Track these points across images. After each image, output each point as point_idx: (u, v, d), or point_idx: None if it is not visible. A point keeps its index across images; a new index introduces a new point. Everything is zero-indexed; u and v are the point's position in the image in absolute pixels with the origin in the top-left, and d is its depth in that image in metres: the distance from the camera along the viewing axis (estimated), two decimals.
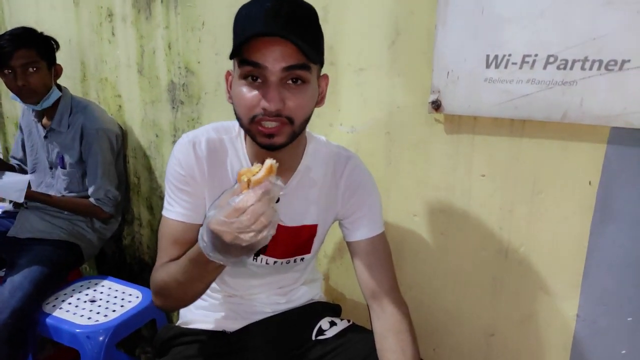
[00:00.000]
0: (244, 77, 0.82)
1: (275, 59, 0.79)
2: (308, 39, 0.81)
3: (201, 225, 0.94)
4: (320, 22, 0.85)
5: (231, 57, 0.83)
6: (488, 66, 1.01)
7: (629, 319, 0.96)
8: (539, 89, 0.96)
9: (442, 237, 1.18)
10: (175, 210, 0.96)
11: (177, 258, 0.91)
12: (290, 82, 0.82)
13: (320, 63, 0.89)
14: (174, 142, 1.76)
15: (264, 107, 0.81)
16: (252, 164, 0.97)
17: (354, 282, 1.36)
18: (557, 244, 1.02)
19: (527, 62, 0.96)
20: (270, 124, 0.83)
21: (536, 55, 0.95)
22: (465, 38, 1.03)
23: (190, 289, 0.88)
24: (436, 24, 1.05)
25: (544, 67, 0.95)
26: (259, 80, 0.82)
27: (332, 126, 1.30)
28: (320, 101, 0.92)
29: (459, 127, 1.10)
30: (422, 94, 1.12)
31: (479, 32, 1.01)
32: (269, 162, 0.69)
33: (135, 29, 1.75)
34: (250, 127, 0.85)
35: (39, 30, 1.69)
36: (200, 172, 0.96)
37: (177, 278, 0.86)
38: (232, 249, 0.70)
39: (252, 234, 0.67)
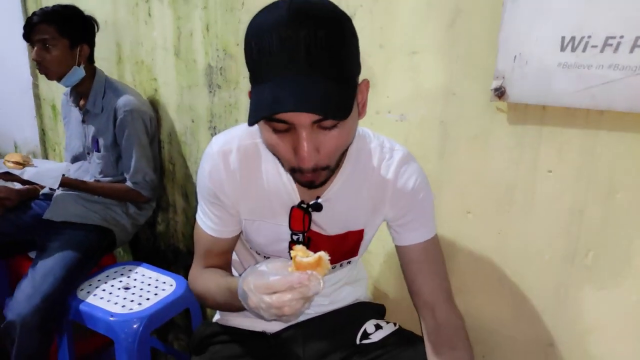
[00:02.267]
0: (270, 127, 0.72)
1: (302, 117, 0.68)
2: (339, 91, 0.67)
3: (232, 237, 0.97)
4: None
5: (250, 124, 0.69)
6: (563, 49, 0.90)
7: None
8: (623, 76, 0.85)
9: (499, 237, 1.08)
10: (205, 223, 0.95)
11: (211, 266, 0.96)
12: (323, 126, 0.71)
13: (358, 75, 0.76)
14: (210, 127, 1.70)
15: (299, 167, 0.73)
16: (295, 187, 0.90)
17: (398, 281, 1.29)
18: (634, 251, 0.91)
19: (610, 45, 0.85)
20: (308, 174, 0.75)
21: (622, 37, 0.84)
22: (537, 17, 0.92)
23: (226, 308, 0.95)
24: (504, 0, 0.94)
25: (631, 51, 0.83)
26: (289, 131, 0.71)
27: (379, 114, 1.21)
28: (361, 112, 0.79)
29: (525, 118, 1.00)
30: (483, 79, 1.02)
31: (554, 9, 0.89)
32: (322, 254, 0.70)
33: (173, 10, 1.69)
34: (292, 174, 0.78)
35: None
36: (232, 186, 0.89)
37: (215, 297, 0.90)
38: (254, 311, 0.74)
39: (270, 314, 0.70)
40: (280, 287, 0.68)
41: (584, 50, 0.88)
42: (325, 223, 0.92)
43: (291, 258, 0.71)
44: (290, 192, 0.90)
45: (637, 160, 0.88)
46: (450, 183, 1.13)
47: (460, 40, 1.05)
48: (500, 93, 0.99)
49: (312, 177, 0.75)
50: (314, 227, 0.92)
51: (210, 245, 0.96)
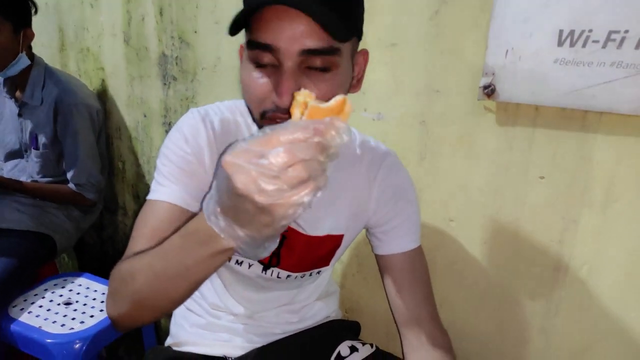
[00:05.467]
0: (253, 61, 0.62)
1: (291, 37, 0.58)
2: (339, 6, 0.59)
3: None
4: None
5: (231, 32, 0.62)
6: (560, 44, 0.82)
7: None
8: (627, 74, 0.77)
9: (484, 247, 1.00)
10: (170, 190, 0.72)
11: None
12: (313, 67, 0.61)
13: (358, 36, 0.67)
14: (165, 123, 1.55)
15: (275, 103, 0.61)
16: None
17: (373, 292, 1.19)
18: (632, 263, 0.85)
19: (614, 40, 0.77)
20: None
21: (626, 31, 0.76)
22: (532, 8, 0.83)
23: (168, 287, 0.59)
24: None
25: (637, 47, 0.76)
26: (272, 65, 0.61)
27: (354, 111, 1.11)
28: (355, 85, 0.71)
29: (516, 119, 0.91)
30: (470, 76, 0.93)
31: (552, 1, 0.81)
32: (342, 97, 0.49)
33: None
34: (262, 124, 0.64)
35: None
36: (210, 157, 0.74)
37: (154, 267, 0.60)
38: (242, 207, 0.45)
39: (276, 185, 0.43)
40: (290, 133, 0.44)
41: (583, 45, 0.80)
42: (305, 221, 0.82)
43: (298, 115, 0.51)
44: None
45: (638, 168, 0.81)
46: (432, 188, 1.04)
47: (445, 31, 0.95)
48: (489, 91, 0.90)
49: None
50: (291, 224, 0.80)
51: (169, 220, 0.70)
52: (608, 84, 0.79)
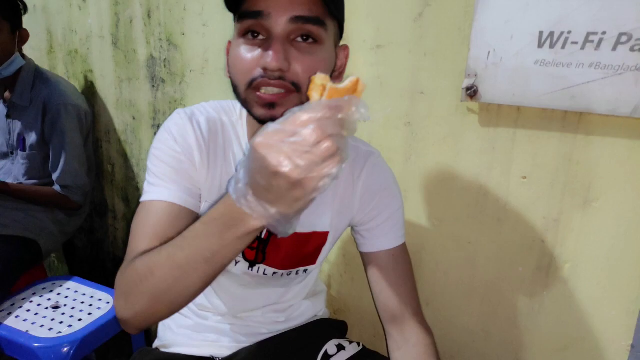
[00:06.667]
0: (243, 34, 0.66)
1: (281, 5, 0.63)
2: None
3: (194, 214, 0.73)
4: None
5: (229, 8, 0.66)
6: (541, 45, 0.83)
7: None
8: (605, 75, 0.79)
9: (469, 246, 1.01)
10: (165, 190, 0.72)
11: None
12: (299, 39, 0.65)
13: (340, 23, 0.71)
14: (154, 125, 1.55)
15: (264, 66, 0.63)
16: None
17: (360, 292, 1.19)
18: (612, 262, 0.86)
19: (592, 42, 0.79)
20: (271, 90, 0.64)
21: (604, 33, 0.77)
22: (513, 10, 0.84)
23: (191, 275, 0.59)
24: None
25: (614, 49, 0.77)
26: (261, 37, 0.65)
27: None
28: (337, 77, 0.74)
29: (498, 119, 0.92)
30: (453, 77, 0.94)
31: (532, 3, 0.83)
32: (355, 77, 0.52)
33: None
34: (247, 95, 0.66)
35: None
36: (200, 155, 0.75)
37: (175, 257, 0.59)
38: (276, 184, 0.47)
39: (309, 160, 0.45)
40: (318, 112, 0.47)
41: (563, 47, 0.82)
42: None
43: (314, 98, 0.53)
44: None
45: (617, 167, 0.83)
46: (417, 188, 1.05)
47: (429, 34, 0.96)
48: (472, 92, 0.91)
49: (275, 98, 0.65)
50: None
51: (167, 217, 0.70)
52: (586, 85, 0.81)
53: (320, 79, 0.52)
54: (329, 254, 1.21)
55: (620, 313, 0.87)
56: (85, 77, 1.70)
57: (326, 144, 0.46)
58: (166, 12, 1.38)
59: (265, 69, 0.63)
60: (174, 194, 0.72)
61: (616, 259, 0.85)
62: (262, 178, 0.48)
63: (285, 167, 0.46)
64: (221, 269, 0.60)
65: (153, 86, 1.50)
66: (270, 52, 0.63)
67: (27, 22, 1.54)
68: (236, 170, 0.52)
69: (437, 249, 1.06)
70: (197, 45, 1.35)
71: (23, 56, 1.52)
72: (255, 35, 0.65)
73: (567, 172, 0.87)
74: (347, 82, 0.51)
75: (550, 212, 0.90)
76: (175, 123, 0.76)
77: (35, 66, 1.55)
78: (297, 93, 0.65)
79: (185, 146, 0.74)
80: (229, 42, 0.72)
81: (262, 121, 0.66)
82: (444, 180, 1.01)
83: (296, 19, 0.63)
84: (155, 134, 1.54)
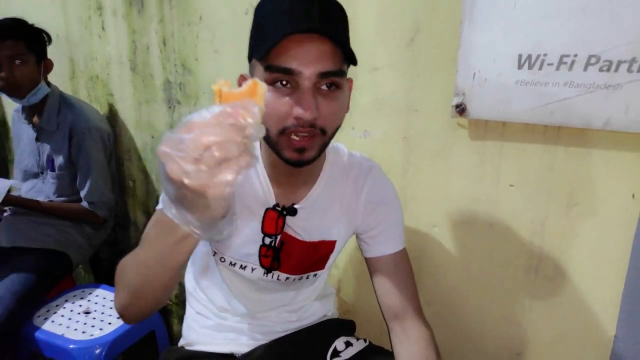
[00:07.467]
0: (272, 82, 0.72)
1: (310, 62, 0.69)
2: (344, 37, 0.73)
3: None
4: None
5: (257, 58, 0.72)
6: (520, 67, 0.92)
7: None
8: (578, 93, 0.87)
9: (464, 249, 1.10)
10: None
11: None
12: (324, 87, 0.72)
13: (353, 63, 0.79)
14: None
15: (298, 116, 0.70)
16: (271, 189, 0.87)
17: (367, 295, 1.28)
18: (595, 261, 0.94)
19: (565, 63, 0.87)
20: (302, 135, 0.72)
21: (575, 55, 0.86)
22: (494, 36, 0.93)
23: (150, 274, 0.64)
24: (462, 19, 0.95)
25: (585, 69, 0.86)
26: (289, 86, 0.72)
27: (343, 130, 1.19)
28: (347, 107, 0.83)
29: (485, 133, 1.01)
30: (444, 96, 1.03)
31: (511, 29, 0.91)
32: (255, 79, 0.51)
33: (127, 23, 1.64)
34: (279, 140, 0.74)
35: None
36: None
37: (138, 257, 0.66)
38: (181, 192, 0.48)
39: (198, 167, 0.46)
40: (199, 120, 0.47)
41: (540, 68, 0.90)
42: (301, 228, 0.91)
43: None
44: (266, 193, 0.88)
45: (593, 175, 0.91)
46: (415, 198, 1.14)
47: (420, 57, 1.05)
48: (461, 109, 1.00)
49: (305, 143, 0.73)
50: (288, 231, 0.91)
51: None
52: (563, 102, 0.89)
53: (218, 85, 0.50)
54: (338, 261, 1.31)
55: (603, 307, 0.95)
56: (107, 101, 1.82)
57: (211, 152, 0.45)
58: (180, 39, 1.49)
59: (298, 118, 0.70)
60: None
61: (597, 257, 0.93)
62: (169, 186, 0.49)
63: (179, 175, 0.46)
64: (174, 271, 0.63)
65: (169, 107, 1.61)
66: (305, 104, 0.69)
67: (50, 50, 1.66)
68: None
69: (435, 252, 1.14)
70: (210, 70, 1.45)
71: (48, 84, 1.63)
72: (284, 83, 0.71)
73: (550, 180, 0.96)
74: (244, 86, 0.50)
75: (536, 217, 0.99)
76: None
77: (60, 92, 1.66)
78: (322, 137, 0.75)
79: None
80: (241, 77, 0.80)
81: (291, 163, 0.75)
82: (439, 190, 1.10)
83: (324, 74, 0.70)
84: None
